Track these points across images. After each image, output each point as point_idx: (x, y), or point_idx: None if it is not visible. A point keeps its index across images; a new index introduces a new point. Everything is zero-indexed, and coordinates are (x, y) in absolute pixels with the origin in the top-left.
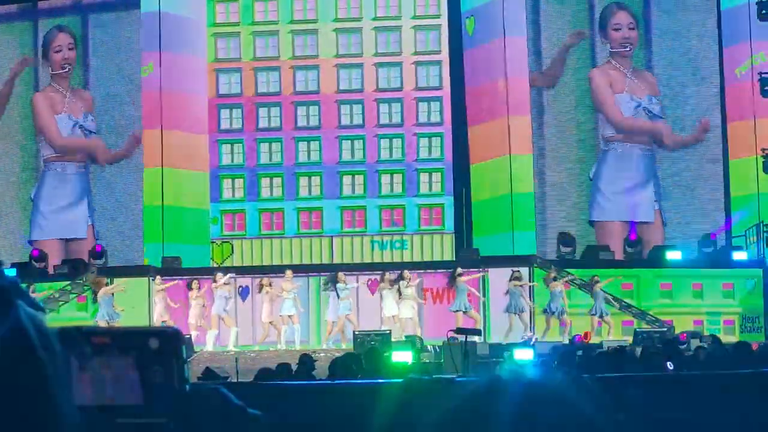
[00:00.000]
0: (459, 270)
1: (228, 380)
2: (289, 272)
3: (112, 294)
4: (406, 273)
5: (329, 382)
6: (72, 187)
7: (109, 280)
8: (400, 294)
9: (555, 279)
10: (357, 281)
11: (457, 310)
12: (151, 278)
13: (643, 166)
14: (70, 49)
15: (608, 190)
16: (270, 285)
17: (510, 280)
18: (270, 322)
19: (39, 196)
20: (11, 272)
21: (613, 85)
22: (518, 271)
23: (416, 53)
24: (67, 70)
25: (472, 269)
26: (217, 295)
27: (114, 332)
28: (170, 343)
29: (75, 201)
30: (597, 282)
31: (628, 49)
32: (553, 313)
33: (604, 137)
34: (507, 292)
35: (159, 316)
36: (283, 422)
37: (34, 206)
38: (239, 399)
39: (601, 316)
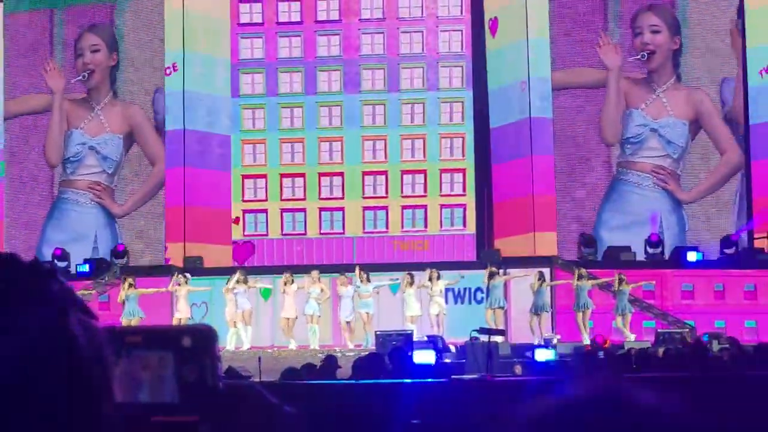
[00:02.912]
0: (494, 268)
1: (250, 379)
2: (315, 272)
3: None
4: (434, 272)
5: (363, 381)
6: (80, 220)
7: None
8: (429, 294)
9: (581, 277)
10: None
11: (493, 308)
12: (173, 275)
13: (645, 203)
14: (93, 51)
15: (606, 227)
16: (292, 282)
17: (537, 279)
18: (287, 319)
19: (46, 226)
20: (83, 267)
21: (627, 98)
22: (541, 271)
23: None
24: (83, 77)
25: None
26: (239, 293)
27: (146, 331)
28: (204, 341)
29: (78, 237)
30: (623, 280)
31: (640, 57)
32: (580, 309)
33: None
34: (532, 291)
35: (181, 314)
36: (312, 422)
37: (42, 236)
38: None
39: (623, 314)
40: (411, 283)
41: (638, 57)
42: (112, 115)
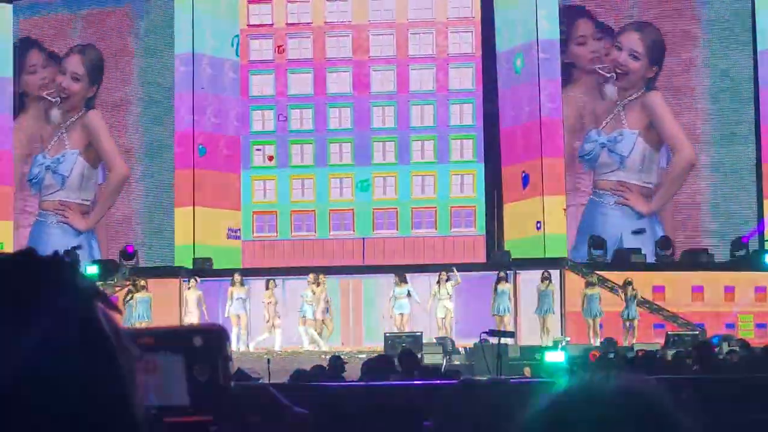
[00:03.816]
0: (501, 273)
1: (260, 381)
2: (311, 276)
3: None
4: (443, 274)
5: (373, 384)
6: (49, 243)
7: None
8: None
9: (592, 284)
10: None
11: (497, 314)
12: (183, 280)
13: (608, 224)
14: (73, 78)
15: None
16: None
17: (541, 281)
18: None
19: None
20: (93, 266)
21: (586, 117)
22: (548, 272)
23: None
24: (55, 101)
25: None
26: (234, 296)
27: (158, 332)
28: (215, 341)
29: None
30: (630, 284)
31: (609, 76)
32: (593, 316)
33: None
34: (537, 292)
35: (192, 317)
36: (323, 423)
37: None
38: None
39: (630, 319)
40: (404, 282)
41: (609, 75)
42: (74, 132)
